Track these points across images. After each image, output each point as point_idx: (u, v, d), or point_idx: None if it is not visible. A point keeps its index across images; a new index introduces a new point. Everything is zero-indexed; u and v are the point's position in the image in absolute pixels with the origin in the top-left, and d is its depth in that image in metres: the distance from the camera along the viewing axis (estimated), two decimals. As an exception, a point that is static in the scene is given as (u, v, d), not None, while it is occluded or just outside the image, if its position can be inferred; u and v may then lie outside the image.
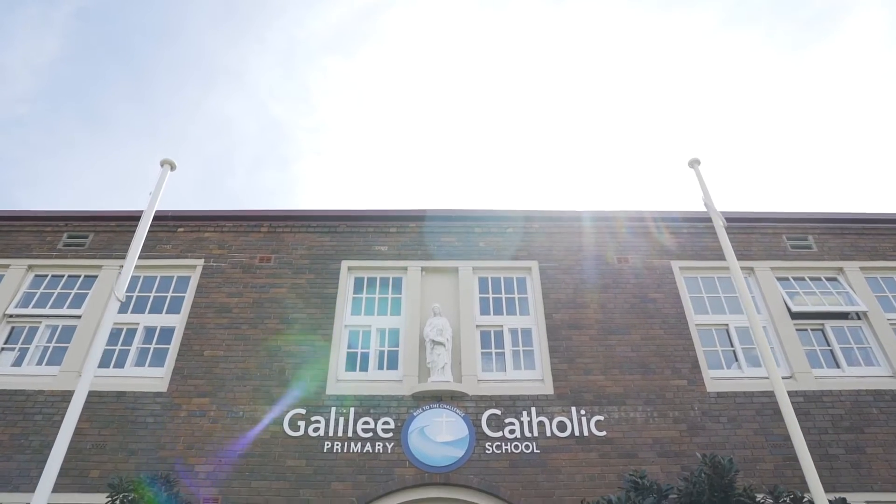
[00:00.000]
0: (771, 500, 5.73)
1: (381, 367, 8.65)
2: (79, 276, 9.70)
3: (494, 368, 8.64)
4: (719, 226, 7.16)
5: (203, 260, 9.69)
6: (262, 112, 43.69)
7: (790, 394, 8.34)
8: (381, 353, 8.79)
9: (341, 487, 7.48)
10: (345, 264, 9.53)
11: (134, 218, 10.10)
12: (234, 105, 43.70)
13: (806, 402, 8.37)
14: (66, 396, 8.25)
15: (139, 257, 9.69)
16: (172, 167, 7.07)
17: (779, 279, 9.74)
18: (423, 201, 38.95)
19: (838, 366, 8.98)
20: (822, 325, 9.37)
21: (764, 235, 10.16)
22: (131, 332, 9.07)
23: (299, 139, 52.22)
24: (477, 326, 8.94)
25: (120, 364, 8.75)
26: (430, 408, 8.04)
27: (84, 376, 5.75)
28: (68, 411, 5.45)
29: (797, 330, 9.17)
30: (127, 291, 9.47)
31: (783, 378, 8.61)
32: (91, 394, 8.18)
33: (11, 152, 41.71)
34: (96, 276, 9.59)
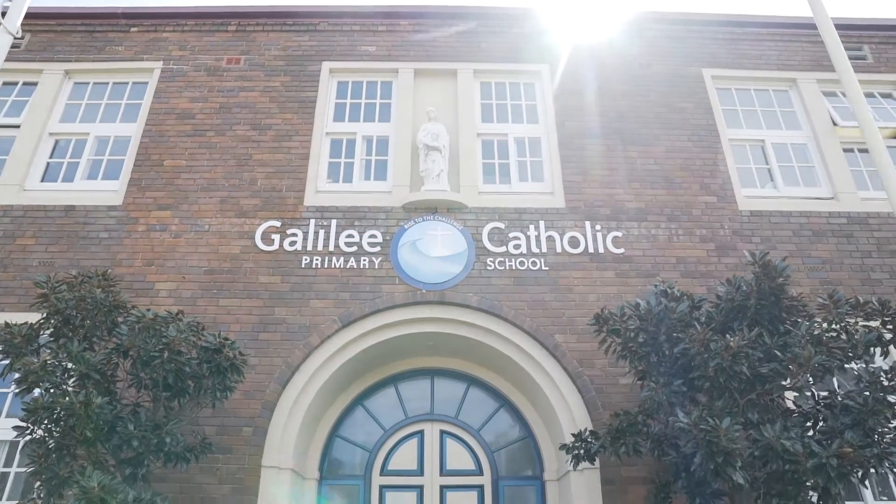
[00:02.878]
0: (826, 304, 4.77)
1: (367, 177, 7.54)
2: (16, 83, 8.34)
3: (497, 180, 7.53)
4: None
5: (161, 62, 8.32)
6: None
7: (832, 214, 7.41)
8: (368, 162, 7.65)
9: (322, 305, 6.57)
10: (326, 66, 8.19)
11: (76, 16, 8.69)
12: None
13: (849, 224, 7.37)
14: (7, 210, 7.21)
15: (87, 61, 8.42)
16: None
17: (825, 93, 8.47)
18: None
19: (886, 187, 7.91)
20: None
21: (810, 44, 8.75)
22: (81, 144, 7.88)
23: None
24: (478, 135, 7.75)
25: (69, 178, 7.62)
26: (424, 220, 6.99)
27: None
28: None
29: (844, 150, 8.00)
30: (75, 98, 8.29)
31: (825, 199, 7.57)
32: (35, 208, 7.25)
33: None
34: (36, 83, 8.24)
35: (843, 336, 4.60)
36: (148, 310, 4.85)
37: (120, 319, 4.85)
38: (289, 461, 6.04)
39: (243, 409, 6.09)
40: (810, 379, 4.49)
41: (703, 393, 4.62)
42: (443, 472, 6.83)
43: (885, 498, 6.21)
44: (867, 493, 6.15)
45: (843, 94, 8.45)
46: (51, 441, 4.58)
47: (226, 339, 4.81)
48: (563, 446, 5.46)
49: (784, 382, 4.47)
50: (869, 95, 8.57)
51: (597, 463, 5.80)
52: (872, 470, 4.31)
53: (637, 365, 4.88)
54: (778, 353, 4.42)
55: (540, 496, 6.69)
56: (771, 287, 4.73)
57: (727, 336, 4.42)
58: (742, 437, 4.15)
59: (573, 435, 5.38)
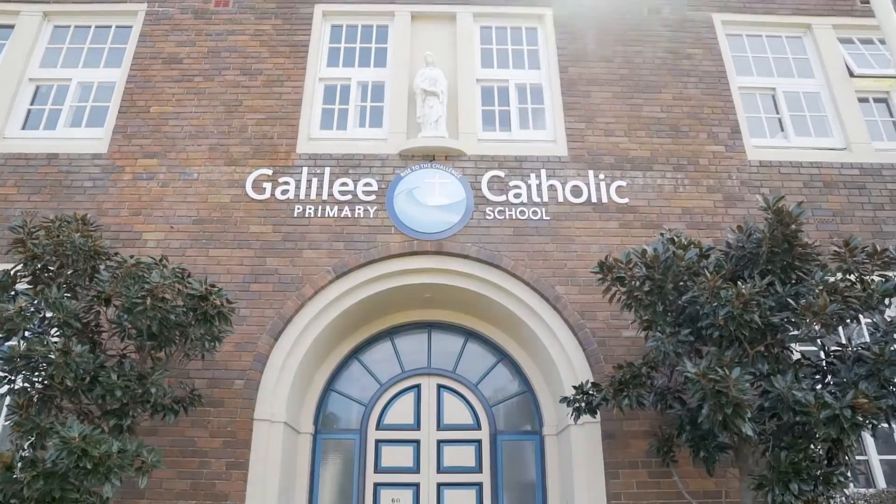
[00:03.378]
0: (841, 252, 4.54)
1: (362, 124, 7.25)
2: (-7, 25, 7.96)
3: (497, 128, 7.24)
4: None
5: (146, 4, 7.92)
6: None
7: (843, 165, 7.16)
8: (363, 108, 7.34)
9: (315, 256, 6.36)
10: (319, 9, 7.80)
11: (57, -48, 8.22)
12: None
13: (862, 175, 7.12)
14: (-18, 157, 6.94)
15: (67, 3, 8.03)
16: None
17: (841, 40, 8.09)
18: None
19: (902, 138, 7.64)
20: (888, 93, 7.91)
21: (827, -14, 8.38)
22: (63, 90, 7.54)
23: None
24: (477, 80, 7.42)
25: (51, 125, 7.31)
26: (421, 168, 6.73)
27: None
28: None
29: (858, 99, 7.69)
30: (55, 42, 7.93)
31: (837, 150, 7.30)
32: (16, 156, 6.98)
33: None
34: (13, 26, 7.86)
35: (859, 285, 4.39)
36: (131, 256, 4.63)
37: (102, 267, 4.63)
38: (282, 414, 5.89)
39: (234, 362, 5.92)
40: (818, 328, 4.28)
41: (711, 343, 4.44)
42: (440, 426, 6.70)
43: (887, 453, 6.09)
44: (870, 448, 6.04)
45: (860, 41, 8.14)
46: (33, 391, 4.41)
47: (212, 285, 4.59)
48: (564, 399, 5.30)
49: (796, 332, 4.28)
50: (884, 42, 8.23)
51: (598, 417, 5.66)
52: (885, 424, 4.16)
53: (642, 314, 4.68)
54: (791, 302, 4.22)
55: (539, 451, 6.57)
56: (784, 234, 4.49)
57: (738, 284, 4.22)
58: (751, 389, 3.97)
59: (574, 387, 5.22)
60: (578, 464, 5.74)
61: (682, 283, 4.56)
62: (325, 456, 6.59)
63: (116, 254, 4.73)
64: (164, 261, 4.61)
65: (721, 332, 4.21)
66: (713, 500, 5.54)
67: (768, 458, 4.21)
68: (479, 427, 6.71)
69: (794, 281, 4.54)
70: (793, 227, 4.48)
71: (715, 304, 4.24)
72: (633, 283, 4.67)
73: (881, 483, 5.89)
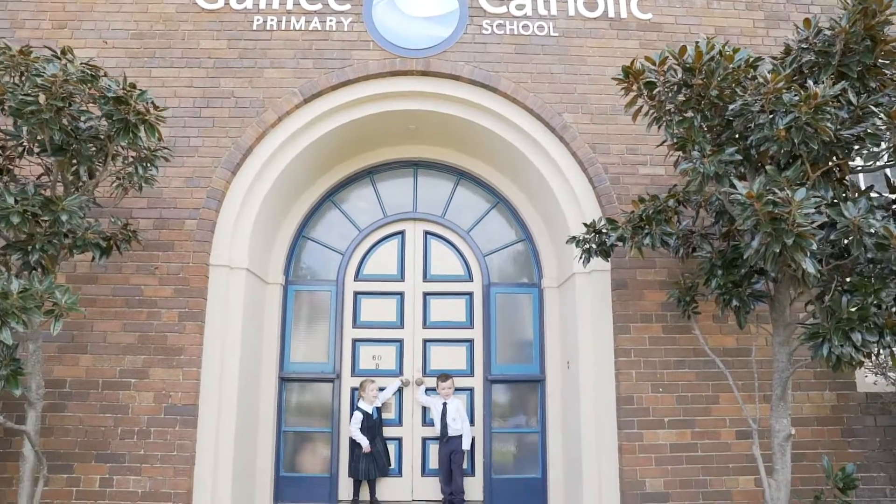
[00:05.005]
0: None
1: (333, -83, 5.97)
2: None
3: (499, -74, 5.98)
4: None
5: None
6: None
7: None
8: None
9: (278, 76, 5.32)
10: None
11: None
12: None
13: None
14: None
15: None
16: None
17: None
18: None
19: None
20: None
21: None
22: None
23: None
24: None
25: (-42, -81, 5.99)
26: (404, -30, 5.56)
27: None
28: None
29: None
30: None
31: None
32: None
33: None
34: None
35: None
36: (24, 45, 3.62)
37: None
38: (243, 260, 5.11)
39: (184, 199, 5.04)
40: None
41: (766, 160, 3.57)
42: (426, 277, 5.98)
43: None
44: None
45: None
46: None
47: (132, 86, 3.58)
48: (572, 238, 4.51)
49: (875, 149, 3.40)
50: None
51: (608, 264, 4.91)
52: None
53: (675, 130, 3.73)
54: (874, 109, 3.30)
55: (537, 305, 5.89)
56: (866, 27, 3.50)
57: (808, 83, 3.27)
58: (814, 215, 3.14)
59: (585, 225, 4.41)
60: (583, 317, 5.04)
61: (728, 92, 3.61)
62: (297, 309, 5.89)
63: (6, 43, 3.69)
64: (69, 53, 3.59)
65: (780, 147, 3.30)
66: (734, 357, 4.90)
67: (827, 303, 3.44)
68: (470, 278, 5.98)
69: (870, 90, 3.60)
70: (879, 17, 3.48)
71: (772, 114, 3.31)
72: (666, 93, 3.71)
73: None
